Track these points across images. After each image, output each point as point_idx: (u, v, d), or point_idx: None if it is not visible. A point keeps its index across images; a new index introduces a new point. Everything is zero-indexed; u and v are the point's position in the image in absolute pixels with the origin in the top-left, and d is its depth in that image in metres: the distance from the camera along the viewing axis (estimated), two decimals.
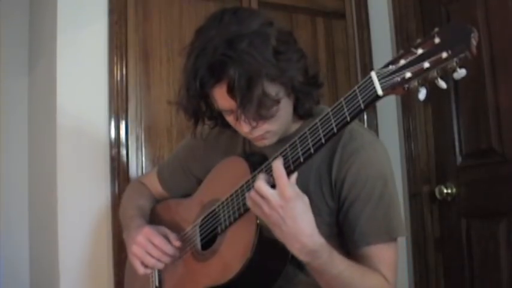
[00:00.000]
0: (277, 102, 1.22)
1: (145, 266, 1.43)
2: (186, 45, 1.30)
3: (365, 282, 1.23)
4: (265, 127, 1.27)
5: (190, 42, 1.28)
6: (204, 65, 1.20)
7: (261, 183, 1.17)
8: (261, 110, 1.21)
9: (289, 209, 1.14)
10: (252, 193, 1.19)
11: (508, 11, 2.22)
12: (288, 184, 1.15)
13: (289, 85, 1.25)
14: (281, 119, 1.29)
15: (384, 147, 1.38)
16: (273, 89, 1.21)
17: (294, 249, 1.16)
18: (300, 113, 1.35)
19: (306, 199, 1.17)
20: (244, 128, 1.26)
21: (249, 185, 1.26)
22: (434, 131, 2.60)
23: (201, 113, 1.35)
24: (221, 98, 1.23)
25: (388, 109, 2.72)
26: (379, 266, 1.26)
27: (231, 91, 1.19)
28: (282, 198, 1.14)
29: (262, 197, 1.16)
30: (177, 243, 1.44)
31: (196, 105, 1.31)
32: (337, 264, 1.19)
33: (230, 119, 1.31)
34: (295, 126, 1.39)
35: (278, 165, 1.17)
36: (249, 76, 1.17)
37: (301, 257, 1.17)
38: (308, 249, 1.16)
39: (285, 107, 1.28)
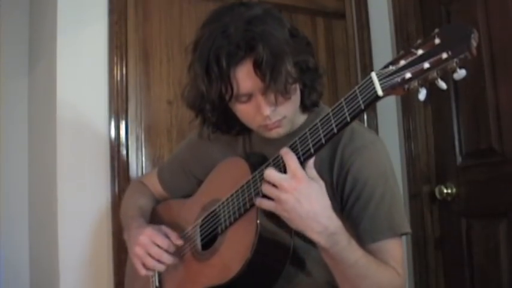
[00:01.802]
0: (296, 80, 1.24)
1: (147, 268, 1.42)
2: (190, 42, 1.30)
3: (380, 273, 1.22)
4: (283, 111, 1.28)
5: (197, 35, 1.28)
6: (227, 43, 1.20)
7: (271, 170, 1.18)
8: (287, 86, 1.21)
9: (304, 189, 1.14)
10: (263, 186, 1.19)
11: (508, 11, 2.22)
12: (299, 166, 1.16)
13: (300, 68, 1.26)
14: (296, 103, 1.31)
15: (384, 146, 1.38)
16: (291, 68, 1.22)
17: (314, 233, 1.15)
18: (307, 103, 1.36)
19: (322, 182, 1.18)
20: (265, 111, 1.26)
21: (250, 185, 1.26)
22: (434, 131, 2.61)
23: (211, 106, 1.32)
24: (245, 77, 1.23)
25: (388, 109, 2.72)
26: (388, 260, 1.26)
27: (258, 67, 1.19)
28: (294, 180, 1.14)
29: (274, 185, 1.17)
30: (179, 242, 1.44)
31: (221, 90, 1.25)
32: (354, 250, 1.19)
33: (244, 108, 1.30)
34: (300, 119, 1.40)
35: (286, 150, 1.18)
36: (276, 52, 1.18)
37: (322, 241, 1.16)
38: (329, 232, 1.15)
39: (297, 91, 1.30)
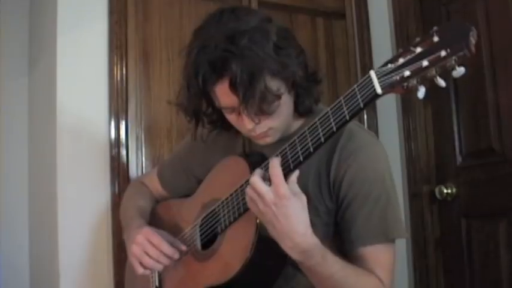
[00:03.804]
0: (279, 97, 1.23)
1: (144, 267, 1.42)
2: (185, 45, 1.30)
3: (358, 284, 1.23)
4: (267, 123, 1.28)
5: (189, 42, 1.29)
6: (205, 61, 1.21)
7: (256, 179, 1.18)
8: (263, 105, 1.21)
9: (283, 207, 1.14)
10: (248, 189, 1.20)
11: (508, 11, 2.22)
12: (283, 182, 1.15)
13: (290, 80, 1.26)
14: (283, 115, 1.30)
15: (382, 148, 1.38)
16: (274, 84, 1.22)
17: (287, 247, 1.16)
18: (301, 110, 1.36)
19: (303, 198, 1.17)
20: (247, 125, 1.26)
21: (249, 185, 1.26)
22: (434, 131, 2.60)
23: (202, 113, 1.36)
24: (223, 94, 1.24)
25: (388, 109, 2.72)
26: (375, 267, 1.26)
27: (233, 86, 1.19)
28: (276, 196, 1.14)
29: (257, 193, 1.17)
30: (183, 248, 1.44)
31: (198, 104, 1.31)
32: (330, 265, 1.19)
33: (231, 117, 1.31)
34: (297, 124, 1.39)
35: (274, 163, 1.17)
36: (251, 71, 1.17)
37: (294, 256, 1.17)
38: (300, 249, 1.16)
39: (286, 103, 1.29)
